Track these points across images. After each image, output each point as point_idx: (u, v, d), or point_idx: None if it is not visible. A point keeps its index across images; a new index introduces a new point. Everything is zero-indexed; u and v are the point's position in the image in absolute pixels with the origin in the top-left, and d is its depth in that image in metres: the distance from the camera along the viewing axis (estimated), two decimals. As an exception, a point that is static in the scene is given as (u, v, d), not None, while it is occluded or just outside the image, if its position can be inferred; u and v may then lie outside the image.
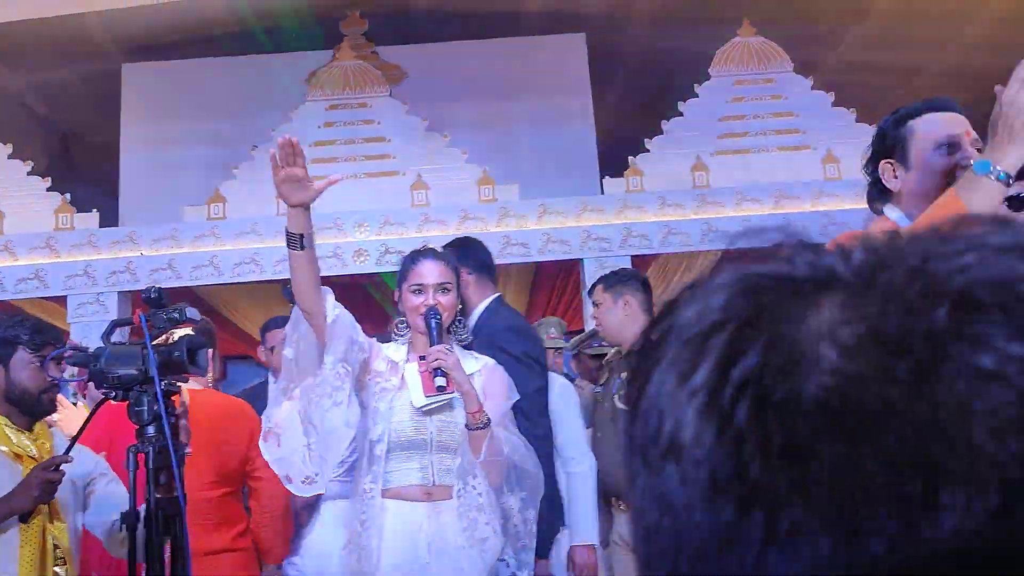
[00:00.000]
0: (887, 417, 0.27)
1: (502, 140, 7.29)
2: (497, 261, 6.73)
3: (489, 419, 2.07)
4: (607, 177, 6.91)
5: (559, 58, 7.52)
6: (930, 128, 1.68)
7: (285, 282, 2.20)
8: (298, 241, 2.00)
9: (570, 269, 7.06)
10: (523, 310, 8.38)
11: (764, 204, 6.67)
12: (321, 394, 2.04)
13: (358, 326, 2.12)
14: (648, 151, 6.90)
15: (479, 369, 2.22)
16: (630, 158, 6.88)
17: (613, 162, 6.97)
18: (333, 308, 2.08)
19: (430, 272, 2.18)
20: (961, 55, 7.36)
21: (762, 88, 7.01)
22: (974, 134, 1.69)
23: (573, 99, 7.42)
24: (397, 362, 2.17)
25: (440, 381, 2.04)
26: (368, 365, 2.17)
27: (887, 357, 0.28)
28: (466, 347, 2.25)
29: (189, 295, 6.79)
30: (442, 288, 2.16)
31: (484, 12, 7.32)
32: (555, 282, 7.68)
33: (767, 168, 6.77)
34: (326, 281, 2.13)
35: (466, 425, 2.07)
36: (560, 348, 4.34)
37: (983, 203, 1.50)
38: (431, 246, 2.31)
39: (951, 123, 1.68)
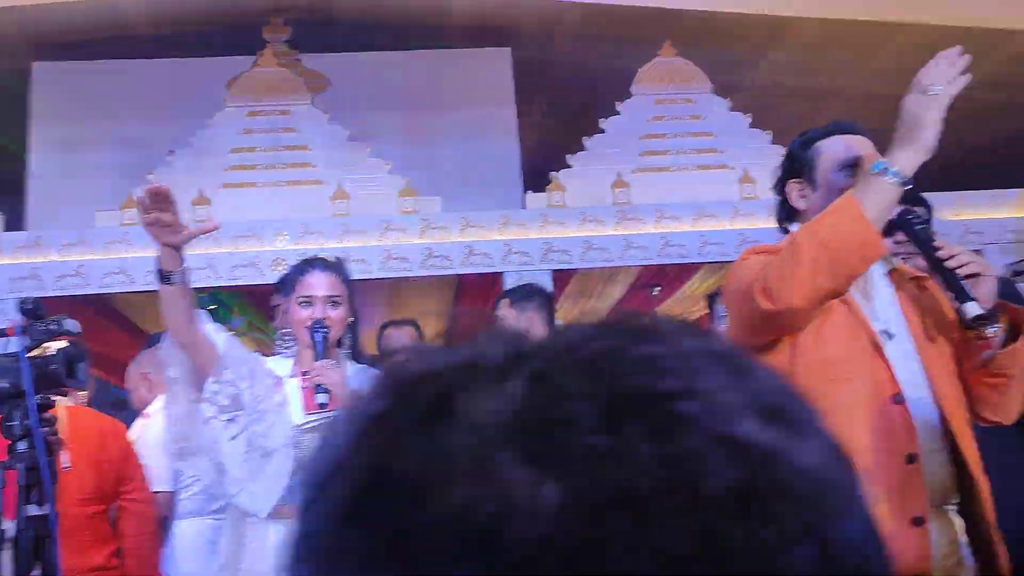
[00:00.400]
0: (425, 488, 0.29)
1: (425, 152, 7.27)
2: (418, 273, 6.78)
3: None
4: (529, 192, 6.95)
5: (485, 71, 7.55)
6: (834, 149, 1.74)
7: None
8: (168, 277, 1.90)
9: (492, 282, 7.06)
10: (445, 322, 8.35)
11: (683, 222, 6.79)
12: (249, 422, 1.95)
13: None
14: (570, 167, 6.96)
15: (371, 385, 2.17)
16: (552, 173, 6.93)
17: (536, 177, 7.01)
18: (216, 333, 2.00)
19: (319, 284, 2.10)
20: (871, 81, 7.64)
21: (682, 108, 7.15)
22: (878, 156, 1.75)
23: (497, 113, 7.45)
24: (280, 377, 2.11)
25: (322, 398, 1.99)
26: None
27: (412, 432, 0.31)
28: (360, 363, 2.21)
29: (99, 303, 6.57)
30: (331, 301, 2.10)
31: (410, 23, 7.30)
32: (477, 295, 7.68)
33: (686, 186, 6.89)
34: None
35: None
36: None
37: (876, 202, 1.53)
38: (321, 256, 2.24)
39: (855, 145, 1.73)
